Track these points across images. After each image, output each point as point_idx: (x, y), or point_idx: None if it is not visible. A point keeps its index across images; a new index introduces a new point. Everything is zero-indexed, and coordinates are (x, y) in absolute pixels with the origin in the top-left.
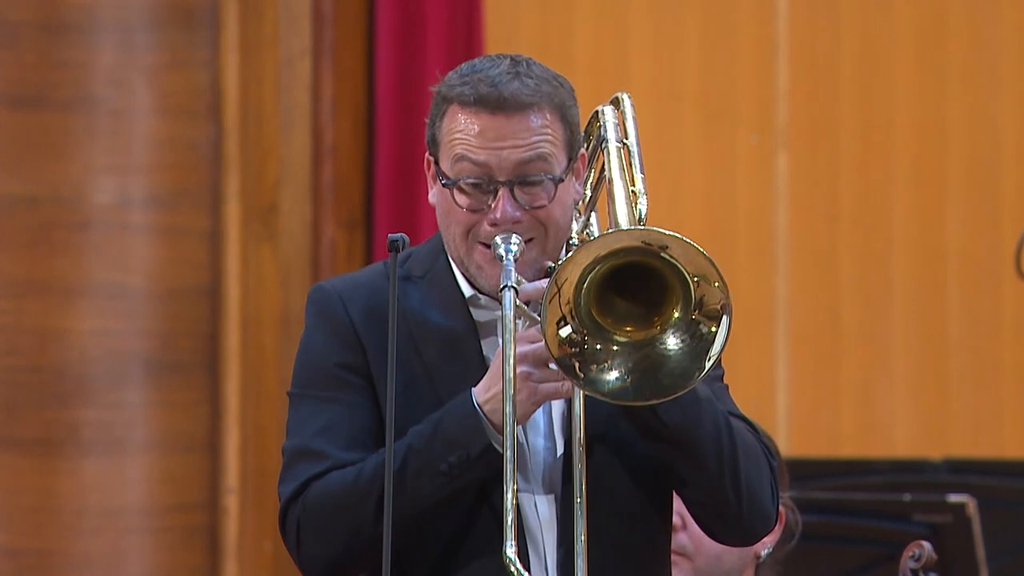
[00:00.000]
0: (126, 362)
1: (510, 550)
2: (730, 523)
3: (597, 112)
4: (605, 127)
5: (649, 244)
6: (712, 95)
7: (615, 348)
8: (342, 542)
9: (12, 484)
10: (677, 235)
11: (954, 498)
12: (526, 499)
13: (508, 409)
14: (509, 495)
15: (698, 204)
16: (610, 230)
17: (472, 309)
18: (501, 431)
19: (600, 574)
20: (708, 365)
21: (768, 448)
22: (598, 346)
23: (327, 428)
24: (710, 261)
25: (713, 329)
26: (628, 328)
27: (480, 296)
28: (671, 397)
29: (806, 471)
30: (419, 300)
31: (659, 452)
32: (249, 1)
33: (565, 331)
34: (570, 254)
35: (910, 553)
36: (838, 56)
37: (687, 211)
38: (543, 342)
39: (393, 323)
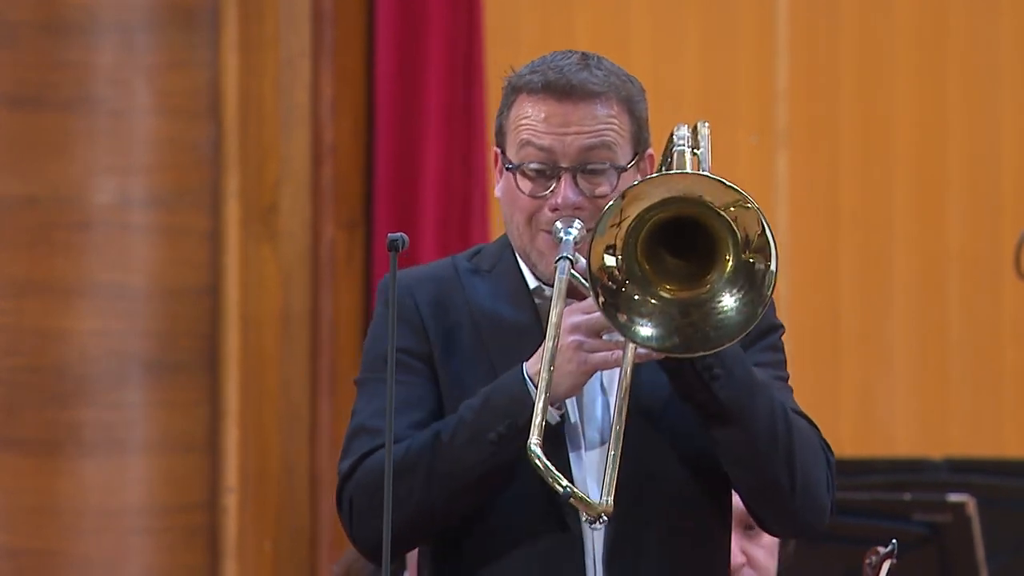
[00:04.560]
0: (126, 362)
1: (535, 443)
2: (783, 511)
3: (673, 131)
4: (677, 139)
5: (688, 194)
6: (712, 95)
7: (654, 302)
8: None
9: (12, 484)
10: (705, 174)
11: (954, 497)
12: (575, 457)
13: (547, 360)
14: (541, 398)
15: None
16: (667, 172)
17: (537, 301)
18: (552, 401)
19: (654, 558)
20: (768, 294)
21: (826, 442)
22: (636, 296)
23: (385, 405)
24: (736, 189)
25: (766, 260)
26: (671, 286)
27: (545, 287)
28: (723, 347)
29: None
30: (486, 292)
31: (713, 431)
32: (249, 1)
33: (609, 260)
34: (634, 187)
35: (867, 560)
36: (838, 56)
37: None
38: (596, 312)
39: (393, 320)
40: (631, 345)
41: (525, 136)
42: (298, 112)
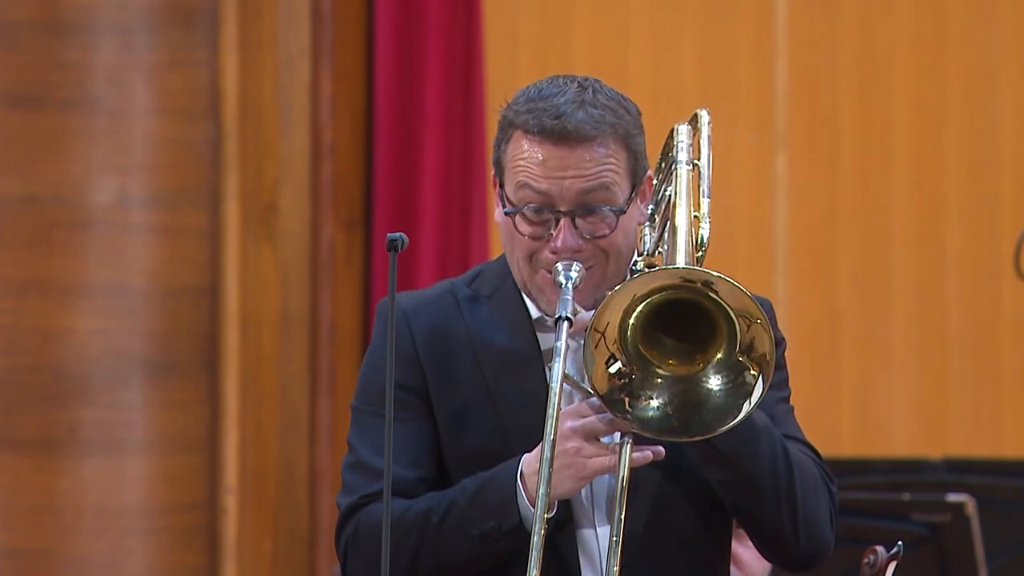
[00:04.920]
0: (126, 362)
1: None
2: (786, 549)
3: (673, 130)
4: (678, 147)
5: (691, 281)
6: (712, 95)
7: (658, 380)
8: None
9: (12, 484)
10: (717, 274)
11: (953, 497)
12: (587, 530)
13: (545, 470)
14: (538, 523)
15: None
16: (648, 270)
17: (538, 333)
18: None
19: None
20: (743, 413)
21: (828, 473)
22: (644, 377)
23: (382, 443)
24: (754, 301)
25: (755, 374)
26: (671, 362)
27: (547, 318)
28: (709, 436)
29: None
30: (485, 321)
31: (716, 478)
32: (248, 1)
33: (614, 367)
34: (606, 300)
35: (866, 560)
36: (838, 56)
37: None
38: (592, 416)
39: (392, 321)
40: (627, 448)
41: (522, 178)
42: (297, 112)
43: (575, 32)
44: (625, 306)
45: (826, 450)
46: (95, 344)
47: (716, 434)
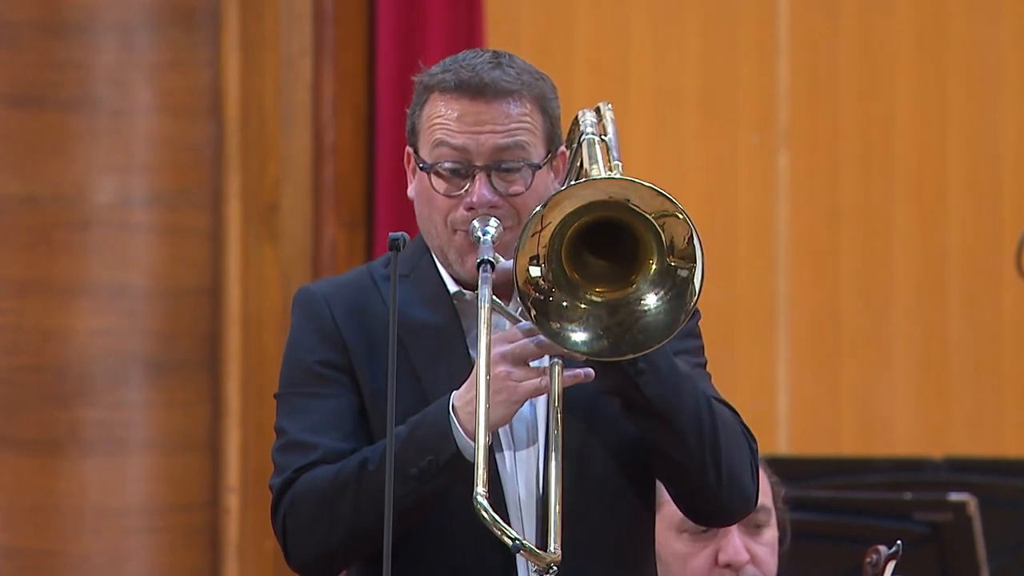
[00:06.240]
0: (127, 362)
1: (481, 494)
2: (710, 501)
3: (577, 116)
4: (584, 125)
5: (614, 198)
6: (712, 95)
7: (583, 307)
8: (323, 537)
9: (12, 484)
10: (634, 180)
11: (955, 497)
12: (508, 480)
13: (482, 370)
14: (481, 439)
15: (698, 204)
16: (574, 183)
17: (457, 304)
18: (474, 437)
19: (585, 553)
20: (692, 304)
21: (748, 429)
22: (564, 303)
23: (313, 421)
24: (668, 198)
25: (690, 267)
26: (600, 288)
27: (465, 292)
28: (650, 350)
29: (806, 470)
30: (404, 298)
31: (640, 426)
32: (250, 1)
33: (534, 271)
34: (556, 194)
35: (868, 559)
36: (838, 56)
37: (687, 211)
38: (521, 340)
39: (393, 322)
40: (557, 369)
41: (439, 136)
42: (299, 112)
43: (576, 32)
44: (569, 211)
45: (827, 450)
46: (96, 344)
47: (657, 346)
